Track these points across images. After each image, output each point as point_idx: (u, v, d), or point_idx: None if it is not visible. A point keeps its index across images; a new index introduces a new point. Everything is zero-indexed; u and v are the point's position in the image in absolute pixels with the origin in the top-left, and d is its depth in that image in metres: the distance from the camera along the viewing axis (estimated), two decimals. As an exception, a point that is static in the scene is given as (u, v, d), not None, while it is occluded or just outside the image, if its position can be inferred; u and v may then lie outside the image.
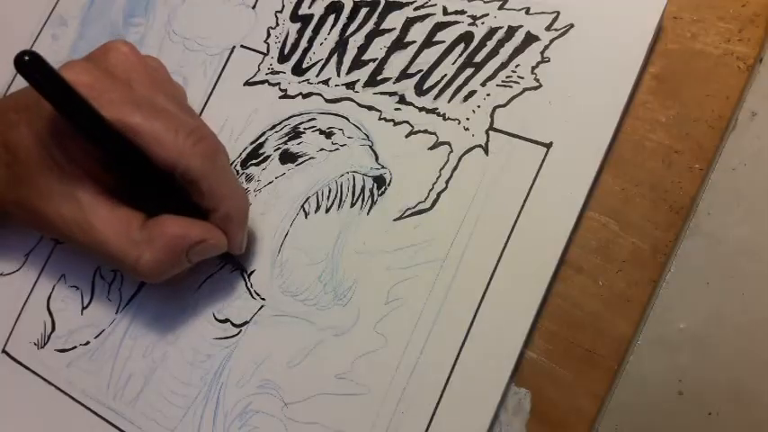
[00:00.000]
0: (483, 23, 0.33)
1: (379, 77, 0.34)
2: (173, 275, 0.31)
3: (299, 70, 0.36)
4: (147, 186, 0.30)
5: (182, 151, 0.29)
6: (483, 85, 0.32)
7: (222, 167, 0.31)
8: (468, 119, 0.32)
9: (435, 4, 0.34)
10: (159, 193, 0.30)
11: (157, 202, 0.30)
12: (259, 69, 0.37)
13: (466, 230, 0.30)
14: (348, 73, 0.35)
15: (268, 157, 0.35)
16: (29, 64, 0.25)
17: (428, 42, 0.34)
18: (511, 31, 0.32)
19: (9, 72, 0.42)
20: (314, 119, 0.35)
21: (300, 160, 0.35)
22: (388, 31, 0.35)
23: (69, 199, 0.30)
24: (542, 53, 0.31)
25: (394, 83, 0.34)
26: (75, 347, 0.36)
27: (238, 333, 0.33)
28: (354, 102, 0.34)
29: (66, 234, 0.30)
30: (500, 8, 0.33)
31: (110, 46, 0.32)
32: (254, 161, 0.36)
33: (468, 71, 0.32)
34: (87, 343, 0.36)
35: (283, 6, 0.38)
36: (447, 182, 0.31)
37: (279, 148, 0.35)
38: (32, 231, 0.39)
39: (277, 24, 0.37)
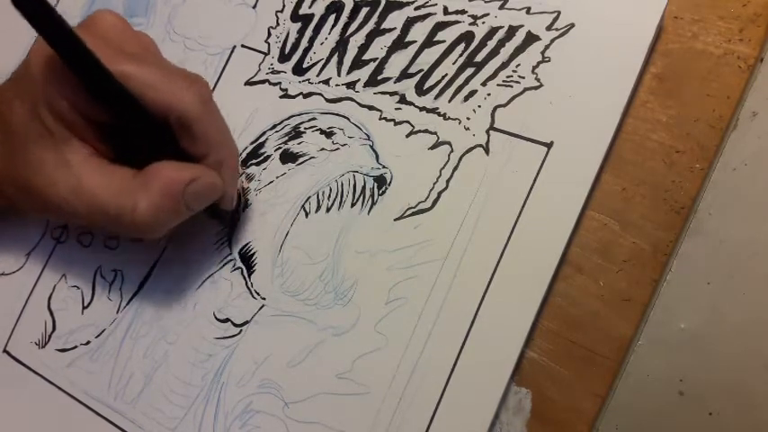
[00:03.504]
0: (484, 23, 0.33)
1: (379, 77, 0.34)
2: (172, 227, 0.31)
3: (299, 70, 0.36)
4: (139, 137, 0.30)
5: (176, 95, 0.29)
6: (484, 84, 0.32)
7: (215, 112, 0.31)
8: (468, 118, 0.32)
9: (436, 4, 0.34)
10: (151, 146, 0.30)
11: (149, 158, 0.30)
12: (260, 69, 0.37)
13: (466, 230, 0.30)
14: (349, 73, 0.35)
15: (269, 156, 0.35)
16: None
17: (429, 42, 0.34)
18: (511, 30, 0.32)
19: (9, 72, 0.42)
20: (314, 118, 0.35)
21: (301, 160, 0.35)
22: (389, 30, 0.35)
23: (60, 163, 0.29)
24: (543, 53, 0.31)
25: (394, 83, 0.34)
26: (75, 347, 0.36)
27: (239, 333, 0.33)
28: (355, 101, 0.34)
29: (61, 205, 0.30)
30: (501, 8, 0.33)
31: (97, 14, 0.32)
32: (254, 161, 0.36)
33: (469, 71, 0.32)
34: (88, 342, 0.36)
35: (284, 6, 0.38)
36: (448, 181, 0.31)
37: (279, 148, 0.35)
38: (33, 230, 0.39)
39: (278, 24, 0.37)
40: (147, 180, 0.29)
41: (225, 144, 0.31)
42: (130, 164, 0.31)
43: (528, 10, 0.32)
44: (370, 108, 0.34)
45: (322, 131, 0.35)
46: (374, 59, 0.35)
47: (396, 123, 0.33)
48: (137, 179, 0.29)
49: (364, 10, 0.35)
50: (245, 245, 0.34)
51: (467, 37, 0.33)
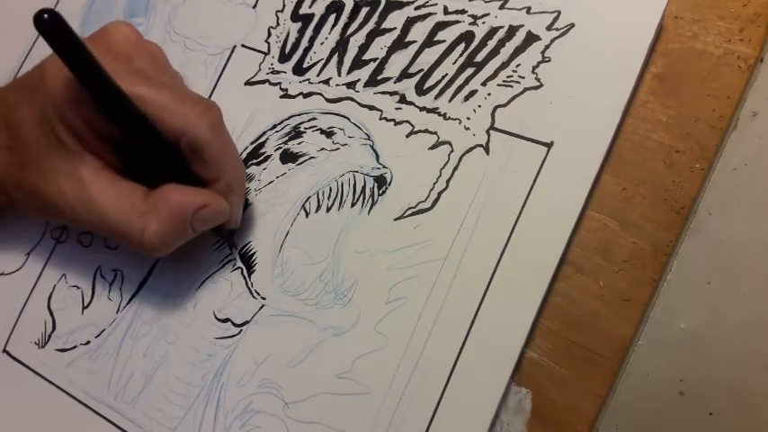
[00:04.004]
0: (484, 23, 0.33)
1: (379, 77, 0.34)
2: (176, 247, 0.31)
3: (299, 70, 0.36)
4: (150, 158, 0.30)
5: (189, 119, 0.29)
6: (484, 84, 0.32)
7: (226, 137, 0.32)
8: (468, 118, 0.32)
9: (436, 4, 0.34)
10: (161, 166, 0.30)
11: (159, 176, 0.31)
12: (260, 69, 0.37)
13: (466, 230, 0.30)
14: (349, 72, 0.35)
15: (269, 156, 0.35)
16: (48, 22, 0.25)
17: (429, 42, 0.34)
18: (512, 30, 0.32)
19: (10, 72, 0.42)
20: (315, 118, 0.35)
21: (301, 160, 0.35)
22: (389, 30, 0.35)
23: (71, 176, 0.30)
24: (543, 53, 0.31)
25: (395, 82, 0.34)
26: (75, 347, 0.36)
27: (239, 332, 0.33)
28: (355, 101, 0.34)
29: (70, 213, 0.30)
30: (501, 8, 0.33)
31: (109, 27, 0.32)
32: (254, 161, 0.36)
33: (469, 71, 0.32)
34: (88, 342, 0.36)
35: (284, 6, 0.38)
36: (448, 181, 0.31)
37: (279, 148, 0.35)
38: (33, 230, 0.39)
39: (278, 24, 0.37)
40: (157, 204, 0.30)
41: (234, 169, 0.32)
42: (140, 178, 0.31)
43: (528, 10, 0.32)
44: (371, 108, 0.34)
45: (322, 131, 0.35)
46: (374, 59, 0.35)
47: (396, 123, 0.33)
48: (147, 202, 0.30)
49: (364, 10, 0.35)
50: (245, 245, 0.34)
51: (467, 37, 0.33)
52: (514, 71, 0.32)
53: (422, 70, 0.33)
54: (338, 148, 0.34)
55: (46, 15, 0.25)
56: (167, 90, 0.30)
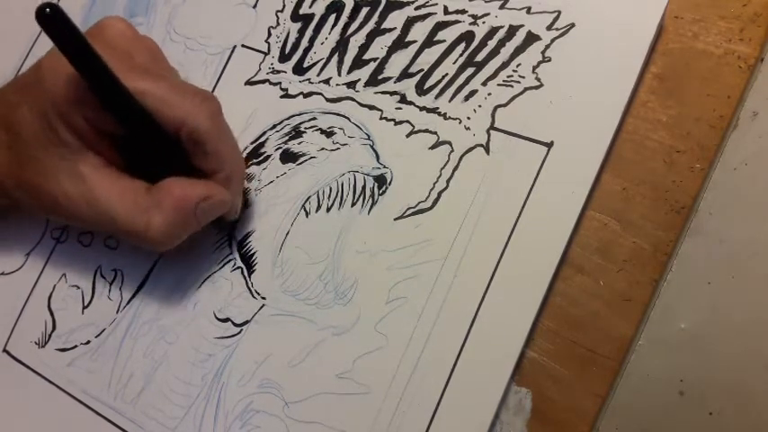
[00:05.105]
0: (484, 23, 0.33)
1: (379, 77, 0.34)
2: (181, 241, 0.31)
3: (299, 70, 0.36)
4: (151, 152, 0.30)
5: (188, 110, 0.29)
6: (484, 84, 0.32)
7: (225, 128, 0.32)
8: (469, 118, 0.32)
9: (436, 4, 0.34)
10: (162, 160, 0.30)
11: (160, 171, 0.31)
12: (260, 69, 0.37)
13: (467, 230, 0.30)
14: (349, 72, 0.35)
15: (269, 156, 0.35)
16: (49, 16, 0.25)
17: (429, 42, 0.34)
18: (512, 30, 0.32)
19: (11, 71, 0.42)
20: (315, 118, 0.35)
21: (301, 160, 0.35)
22: (389, 30, 0.35)
23: (73, 174, 0.30)
24: (543, 53, 0.31)
25: (395, 82, 0.34)
26: (75, 346, 0.36)
27: (239, 332, 0.33)
28: (355, 101, 0.34)
29: (72, 211, 0.30)
30: (501, 7, 0.33)
31: (105, 23, 0.32)
32: (254, 160, 0.36)
33: (470, 70, 0.32)
34: (88, 342, 0.36)
35: (284, 6, 0.38)
36: (448, 181, 0.31)
37: (280, 148, 0.35)
38: (33, 229, 0.39)
39: (278, 24, 0.37)
40: (160, 198, 0.30)
41: (234, 160, 0.32)
42: (141, 174, 0.31)
43: (528, 10, 0.32)
44: (371, 108, 0.34)
45: (322, 131, 0.35)
46: (374, 59, 0.35)
47: (396, 123, 0.33)
48: (150, 196, 0.30)
49: (364, 10, 0.35)
50: (246, 244, 0.34)
51: (467, 37, 0.33)
52: (515, 71, 0.32)
53: (422, 70, 0.33)
54: (338, 148, 0.34)
55: (48, 9, 0.25)
56: (166, 83, 0.30)
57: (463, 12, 0.33)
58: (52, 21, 0.26)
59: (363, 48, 0.35)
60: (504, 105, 0.31)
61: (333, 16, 0.36)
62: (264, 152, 0.35)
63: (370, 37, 0.35)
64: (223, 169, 0.31)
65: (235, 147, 0.33)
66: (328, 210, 0.33)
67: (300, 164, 0.35)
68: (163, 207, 0.30)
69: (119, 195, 0.30)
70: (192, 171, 0.31)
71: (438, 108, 0.33)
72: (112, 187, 0.30)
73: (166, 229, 0.30)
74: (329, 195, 0.33)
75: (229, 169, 0.31)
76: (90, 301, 0.37)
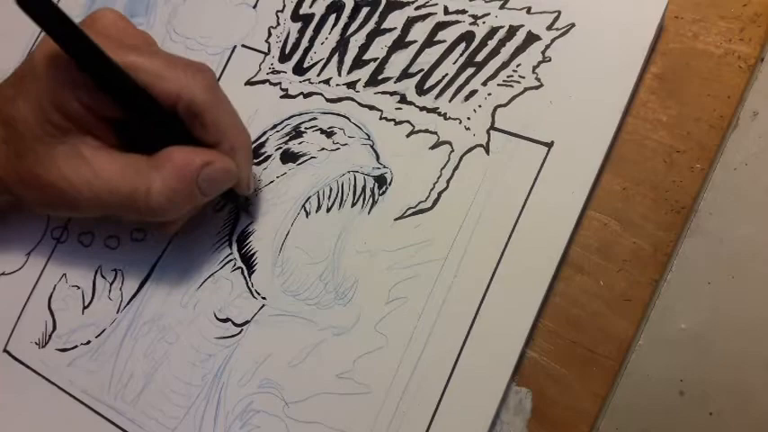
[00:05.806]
0: (484, 23, 0.33)
1: (380, 77, 0.34)
2: (186, 215, 0.31)
3: (300, 70, 0.36)
4: (150, 131, 0.30)
5: (182, 82, 0.29)
6: (484, 84, 0.32)
7: (223, 98, 0.31)
8: (469, 118, 0.32)
9: (436, 4, 0.34)
10: (162, 138, 0.30)
11: (159, 148, 0.30)
12: (260, 69, 0.37)
13: (467, 230, 0.30)
14: (349, 72, 0.35)
15: (269, 156, 0.35)
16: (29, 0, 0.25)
17: (429, 42, 0.34)
18: (512, 30, 0.32)
19: (11, 70, 0.42)
20: (315, 118, 0.35)
21: (301, 160, 0.35)
22: (389, 30, 0.35)
23: (72, 158, 0.30)
24: (543, 53, 0.31)
25: (395, 82, 0.34)
26: (76, 347, 0.36)
27: (239, 332, 0.33)
28: (355, 101, 0.34)
29: (76, 197, 0.30)
30: (501, 7, 0.33)
31: (97, 14, 0.32)
32: (255, 160, 0.35)
33: (470, 71, 0.32)
34: (88, 342, 0.36)
35: (284, 6, 0.38)
36: (448, 181, 0.31)
37: (280, 148, 0.35)
38: (33, 230, 0.39)
39: (278, 24, 0.37)
40: (160, 162, 0.29)
41: (236, 130, 0.32)
42: (141, 150, 0.31)
43: (528, 10, 0.32)
44: (371, 108, 0.34)
45: (322, 131, 0.35)
46: (374, 59, 0.35)
47: (396, 123, 0.33)
48: (150, 161, 0.30)
49: (365, 10, 0.35)
50: (246, 244, 0.34)
51: (467, 37, 0.33)
52: (515, 71, 0.32)
53: (422, 70, 0.33)
54: (338, 148, 0.34)
55: None
56: (159, 57, 0.29)
57: (463, 12, 0.33)
58: (33, 3, 0.25)
59: (363, 48, 0.35)
60: (505, 105, 0.31)
61: (333, 16, 0.36)
62: (265, 152, 0.35)
63: (371, 37, 0.35)
64: (226, 139, 0.31)
65: (235, 116, 0.32)
66: (328, 210, 0.33)
67: (300, 164, 0.35)
68: (163, 171, 0.29)
69: (119, 170, 0.30)
70: (194, 143, 0.31)
71: (438, 108, 0.33)
72: (113, 164, 0.30)
73: (168, 195, 0.29)
74: (329, 195, 0.33)
75: (232, 139, 0.31)
76: (90, 302, 0.37)
